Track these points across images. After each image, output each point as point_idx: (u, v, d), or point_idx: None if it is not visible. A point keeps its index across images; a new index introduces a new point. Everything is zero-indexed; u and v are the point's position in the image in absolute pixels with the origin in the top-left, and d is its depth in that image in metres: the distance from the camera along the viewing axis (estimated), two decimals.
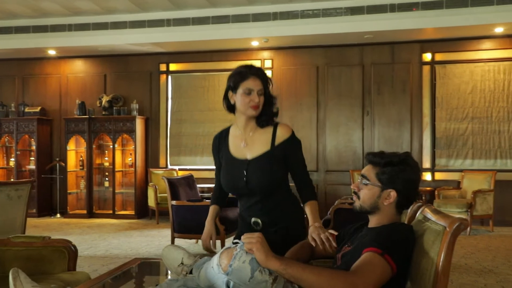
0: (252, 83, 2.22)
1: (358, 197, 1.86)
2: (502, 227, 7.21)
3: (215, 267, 1.68)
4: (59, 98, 9.18)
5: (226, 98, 2.31)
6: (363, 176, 1.84)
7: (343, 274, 1.57)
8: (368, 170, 1.84)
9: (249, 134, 2.30)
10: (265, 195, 2.24)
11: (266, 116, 2.28)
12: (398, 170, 1.78)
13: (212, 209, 2.45)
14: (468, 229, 6.79)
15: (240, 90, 2.23)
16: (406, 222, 1.98)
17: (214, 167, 2.46)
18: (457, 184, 7.59)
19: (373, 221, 1.86)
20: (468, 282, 4.38)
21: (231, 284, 1.60)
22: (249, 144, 2.29)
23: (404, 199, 1.82)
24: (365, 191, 1.84)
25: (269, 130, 2.29)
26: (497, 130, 7.60)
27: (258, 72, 2.26)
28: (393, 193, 1.79)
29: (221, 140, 2.39)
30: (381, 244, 1.63)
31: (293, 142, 2.29)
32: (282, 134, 2.28)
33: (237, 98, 2.25)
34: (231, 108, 2.31)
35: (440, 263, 1.58)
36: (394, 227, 1.77)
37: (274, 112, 2.32)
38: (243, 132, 2.31)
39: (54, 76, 9.21)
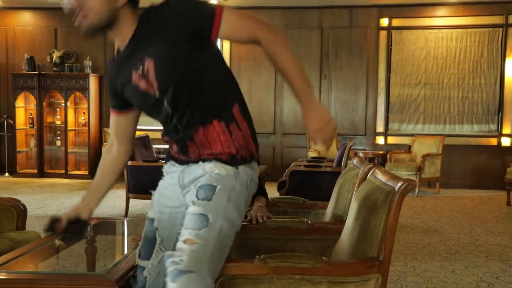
0: None
1: None
2: (448, 189, 7.58)
3: None
4: (6, 52, 8.71)
5: None
6: None
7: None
8: None
9: None
10: None
11: None
12: None
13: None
14: (416, 191, 7.08)
15: None
16: (357, 184, 2.03)
17: None
18: (408, 148, 7.85)
19: None
20: (413, 240, 4.60)
21: None
22: None
23: None
24: None
25: None
26: (447, 96, 7.86)
27: None
28: None
29: None
30: None
31: None
32: None
33: None
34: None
35: (388, 222, 1.65)
36: None
37: None
38: None
39: None
